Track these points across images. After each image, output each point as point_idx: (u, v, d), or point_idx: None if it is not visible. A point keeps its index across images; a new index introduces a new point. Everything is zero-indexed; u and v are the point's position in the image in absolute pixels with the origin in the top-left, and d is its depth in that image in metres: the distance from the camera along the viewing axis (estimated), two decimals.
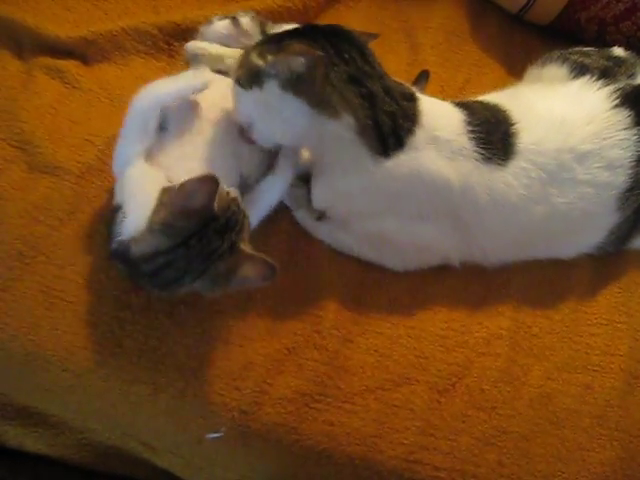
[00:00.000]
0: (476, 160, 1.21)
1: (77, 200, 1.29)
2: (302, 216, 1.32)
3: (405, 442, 1.21)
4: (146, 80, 1.36)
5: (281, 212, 1.31)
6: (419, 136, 1.18)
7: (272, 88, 1.13)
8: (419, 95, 1.23)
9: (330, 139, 1.17)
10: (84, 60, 1.46)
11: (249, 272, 1.09)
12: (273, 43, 1.15)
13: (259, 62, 1.14)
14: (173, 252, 1.05)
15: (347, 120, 1.14)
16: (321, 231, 1.31)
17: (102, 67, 1.45)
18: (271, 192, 1.28)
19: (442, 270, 1.33)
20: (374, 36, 1.24)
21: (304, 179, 1.32)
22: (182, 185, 1.03)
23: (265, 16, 1.49)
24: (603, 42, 1.62)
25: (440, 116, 1.23)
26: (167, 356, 1.21)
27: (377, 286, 1.31)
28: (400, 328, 1.28)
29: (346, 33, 1.18)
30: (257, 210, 1.24)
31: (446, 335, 1.29)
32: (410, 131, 1.17)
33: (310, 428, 1.20)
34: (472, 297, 1.34)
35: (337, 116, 1.14)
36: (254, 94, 1.15)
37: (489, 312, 1.33)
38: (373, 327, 1.28)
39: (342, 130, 1.15)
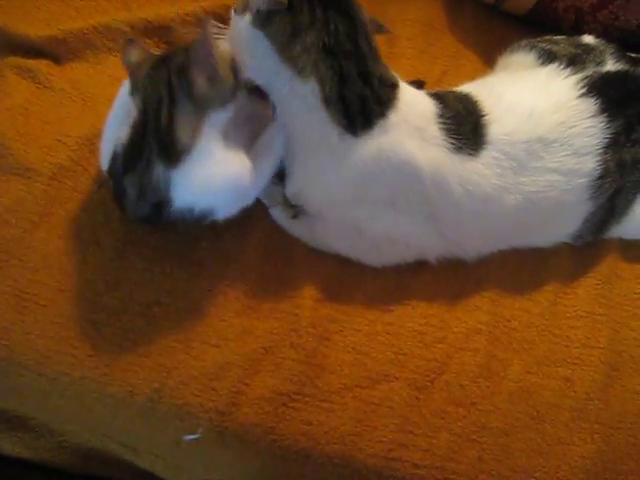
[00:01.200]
0: (447, 149, 1.21)
1: (49, 202, 1.28)
2: (278, 214, 1.31)
3: (384, 440, 1.20)
4: (119, 79, 1.35)
5: (257, 210, 1.30)
6: (391, 120, 1.18)
7: (248, 22, 1.15)
8: (401, 83, 1.23)
9: (297, 98, 1.16)
10: (55, 59, 1.44)
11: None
12: None
13: None
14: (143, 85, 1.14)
15: (312, 85, 1.14)
16: (297, 228, 1.30)
17: (74, 66, 1.43)
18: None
19: (419, 265, 1.32)
20: (384, 29, 1.28)
21: (280, 176, 1.30)
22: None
23: None
24: (581, 31, 1.59)
25: (415, 104, 1.23)
26: (142, 357, 1.20)
27: (354, 283, 1.30)
28: (378, 325, 1.27)
29: (349, 6, 1.17)
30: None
31: (424, 331, 1.28)
32: (382, 115, 1.17)
33: (288, 428, 1.19)
34: (450, 292, 1.33)
35: (304, 77, 1.14)
36: (239, 21, 1.17)
37: (467, 307, 1.32)
38: (350, 324, 1.26)
39: (307, 92, 1.15)
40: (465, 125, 1.24)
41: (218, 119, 1.13)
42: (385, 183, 1.20)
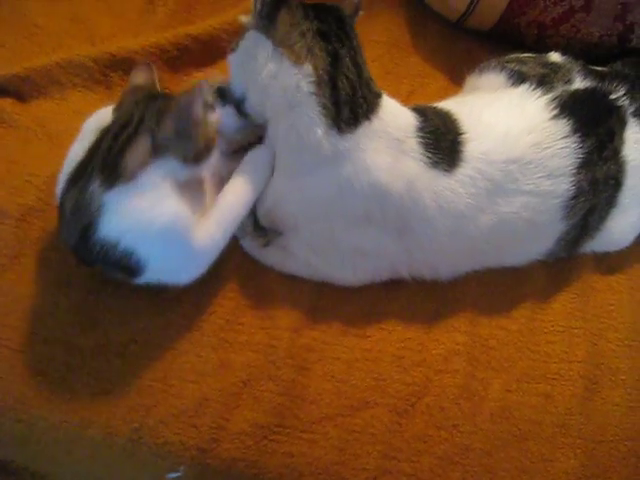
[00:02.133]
0: (424, 164, 1.21)
1: (19, 244, 1.26)
2: (249, 244, 1.31)
3: (368, 467, 1.20)
4: (84, 114, 1.34)
5: (229, 243, 1.29)
6: (374, 126, 1.19)
7: (250, 35, 1.23)
8: (384, 95, 1.25)
9: (290, 91, 1.18)
10: (20, 97, 1.43)
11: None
12: None
13: (246, 19, 1.26)
14: (132, 111, 1.13)
15: (307, 68, 1.17)
16: (269, 256, 1.30)
17: (38, 103, 1.42)
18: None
19: (395, 287, 1.33)
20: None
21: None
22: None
23: (204, 42, 1.48)
24: (544, 45, 1.62)
25: (396, 116, 1.24)
26: (120, 398, 1.19)
27: (330, 309, 1.30)
28: (356, 351, 1.27)
29: (329, 5, 1.25)
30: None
31: (403, 355, 1.28)
32: (366, 116, 1.19)
33: (270, 461, 1.19)
34: (427, 314, 1.33)
35: (300, 62, 1.17)
36: (239, 50, 1.25)
37: (445, 328, 1.32)
38: (328, 353, 1.26)
39: (302, 79, 1.17)
40: (443, 141, 1.24)
41: (171, 167, 1.11)
42: (361, 194, 1.20)
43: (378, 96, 1.23)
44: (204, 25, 1.52)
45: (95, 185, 1.07)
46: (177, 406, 1.19)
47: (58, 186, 1.16)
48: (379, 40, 1.67)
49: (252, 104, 1.26)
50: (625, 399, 1.31)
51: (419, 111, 1.28)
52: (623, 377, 1.33)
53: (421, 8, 1.73)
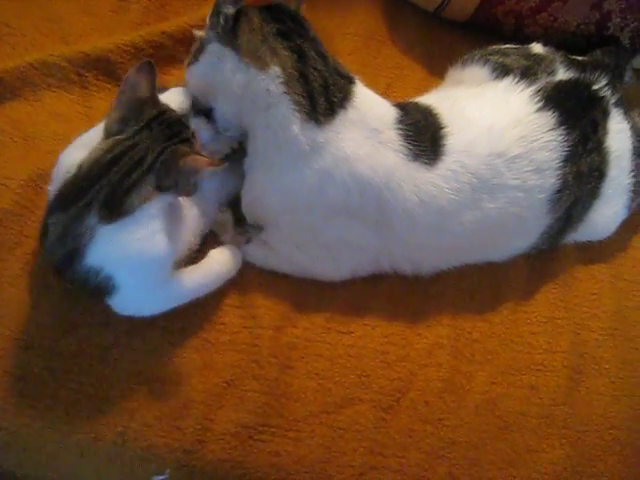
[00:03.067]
0: (404, 155, 1.21)
1: None
2: (230, 241, 1.30)
3: (354, 464, 1.20)
4: (60, 114, 1.34)
5: (208, 240, 1.29)
6: (350, 115, 1.19)
7: (212, 48, 1.22)
8: (358, 83, 1.25)
9: (262, 96, 1.18)
10: None
11: (200, 158, 1.09)
12: None
13: (201, 34, 1.25)
14: (139, 134, 1.09)
15: (274, 70, 1.17)
16: (250, 253, 1.30)
17: (13, 105, 1.39)
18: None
19: (377, 282, 1.33)
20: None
21: (230, 205, 1.29)
22: (125, 80, 1.09)
23: (178, 38, 1.46)
24: (522, 35, 1.62)
25: (373, 105, 1.24)
26: (103, 402, 1.18)
27: (313, 306, 1.30)
28: (339, 348, 1.27)
29: (276, 4, 1.26)
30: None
31: (386, 350, 1.28)
32: (341, 105, 1.19)
33: (256, 461, 1.19)
34: (410, 308, 1.33)
35: (266, 67, 1.17)
36: (201, 63, 1.24)
37: (428, 322, 1.32)
38: (311, 350, 1.26)
39: (270, 82, 1.17)
40: (423, 134, 1.24)
41: (166, 200, 1.12)
42: (342, 184, 1.19)
43: (351, 80, 1.23)
44: (178, 22, 1.50)
45: (94, 220, 1.06)
46: (161, 408, 1.18)
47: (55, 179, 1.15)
48: (355, 33, 1.66)
49: (224, 114, 1.26)
50: (609, 388, 1.32)
51: (399, 106, 1.28)
52: (607, 366, 1.34)
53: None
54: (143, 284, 1.13)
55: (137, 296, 1.14)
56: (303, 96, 1.16)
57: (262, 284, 1.29)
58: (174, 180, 1.08)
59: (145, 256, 1.09)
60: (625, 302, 1.41)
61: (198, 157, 1.08)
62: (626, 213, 1.44)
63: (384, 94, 1.47)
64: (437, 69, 1.57)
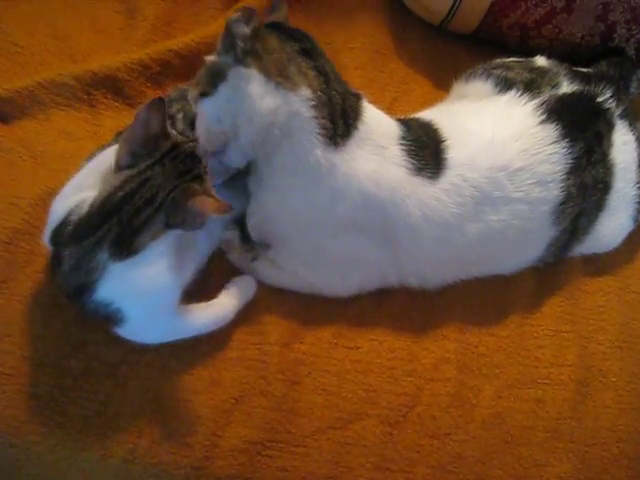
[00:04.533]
0: (407, 170, 1.21)
1: (7, 268, 1.26)
2: (237, 258, 1.31)
3: (361, 479, 1.20)
4: (69, 133, 1.35)
5: (215, 255, 1.31)
6: (361, 134, 1.20)
7: (235, 71, 1.15)
8: (364, 100, 1.25)
9: (289, 121, 1.16)
10: (3, 119, 1.42)
11: (208, 201, 1.08)
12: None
13: (213, 59, 1.19)
14: (151, 169, 1.08)
15: (304, 92, 1.15)
16: (257, 270, 1.30)
17: (22, 124, 1.41)
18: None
19: (383, 297, 1.33)
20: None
21: (236, 222, 1.30)
22: (136, 116, 1.07)
23: (185, 56, 1.47)
24: (527, 47, 1.62)
25: (379, 122, 1.25)
26: (113, 419, 1.19)
27: (320, 322, 1.31)
28: (346, 363, 1.27)
29: (284, 24, 1.24)
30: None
31: (393, 365, 1.28)
32: (355, 124, 1.19)
33: (264, 477, 1.20)
34: (416, 323, 1.33)
35: (295, 88, 1.15)
36: (220, 92, 1.17)
37: (434, 336, 1.32)
38: (319, 366, 1.27)
39: (300, 105, 1.15)
40: (425, 149, 1.24)
41: (174, 236, 1.13)
42: (350, 200, 1.20)
43: (359, 98, 1.24)
44: (185, 39, 1.51)
45: (104, 256, 1.07)
46: (170, 425, 1.20)
47: (54, 214, 1.15)
48: (362, 47, 1.66)
49: (242, 147, 1.21)
50: (616, 401, 1.32)
51: (401, 121, 1.29)
52: (614, 379, 1.34)
53: (403, 13, 1.73)
54: (151, 317, 1.14)
55: (145, 327, 1.16)
56: (328, 120, 1.16)
57: (269, 300, 1.30)
58: (182, 218, 1.08)
59: (154, 292, 1.11)
60: (632, 314, 1.41)
61: (207, 200, 1.07)
62: (632, 225, 1.44)
63: (390, 108, 1.49)
64: (443, 83, 1.57)
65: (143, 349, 1.22)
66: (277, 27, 1.22)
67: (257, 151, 1.20)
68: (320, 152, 1.16)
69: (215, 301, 1.24)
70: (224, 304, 1.25)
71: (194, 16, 1.63)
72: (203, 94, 1.19)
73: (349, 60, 1.62)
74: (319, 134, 1.16)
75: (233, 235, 1.30)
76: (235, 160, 1.22)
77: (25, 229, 1.29)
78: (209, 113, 1.19)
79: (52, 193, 1.25)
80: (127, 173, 1.09)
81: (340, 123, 1.17)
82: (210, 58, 1.21)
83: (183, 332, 1.21)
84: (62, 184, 1.22)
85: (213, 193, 1.12)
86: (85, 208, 1.08)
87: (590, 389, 1.32)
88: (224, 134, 1.19)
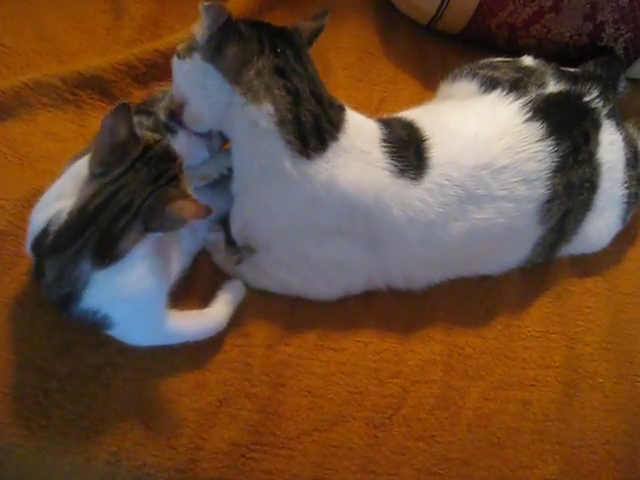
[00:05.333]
0: (390, 172, 1.21)
1: None
2: (221, 260, 1.30)
3: None
4: (54, 134, 1.34)
5: (200, 257, 1.30)
6: (342, 144, 1.19)
7: (197, 59, 1.17)
8: (347, 108, 1.24)
9: (249, 125, 1.17)
10: None
11: (185, 206, 1.06)
12: None
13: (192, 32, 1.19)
14: (124, 176, 1.07)
15: (266, 108, 1.15)
16: (242, 273, 1.30)
17: (7, 125, 1.41)
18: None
19: (370, 299, 1.33)
20: (324, 14, 1.30)
21: (221, 223, 1.30)
22: (102, 124, 1.06)
23: (168, 56, 1.46)
24: (516, 46, 1.62)
25: (362, 128, 1.24)
26: (97, 422, 1.19)
27: (305, 324, 1.30)
28: (332, 365, 1.27)
29: (288, 32, 1.22)
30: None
31: (379, 367, 1.28)
32: (333, 137, 1.18)
33: (249, 479, 1.18)
34: (402, 324, 1.33)
35: (257, 102, 1.15)
36: (186, 64, 1.19)
37: (420, 338, 1.32)
38: (304, 368, 1.26)
39: (261, 117, 1.15)
40: (407, 149, 1.24)
41: (154, 238, 1.12)
42: (331, 207, 1.20)
43: (342, 110, 1.23)
44: (171, 39, 1.50)
45: (87, 265, 1.06)
46: (154, 428, 1.19)
47: (33, 226, 1.15)
48: (349, 47, 1.66)
49: (200, 112, 1.22)
50: (603, 402, 1.32)
51: (383, 122, 1.28)
52: (601, 380, 1.34)
53: (391, 12, 1.72)
54: (140, 321, 1.15)
55: (135, 331, 1.16)
56: (293, 136, 1.16)
57: (254, 302, 1.30)
58: (159, 224, 1.08)
59: (141, 296, 1.11)
60: (620, 315, 1.40)
61: (185, 204, 1.06)
62: (620, 225, 1.43)
63: (378, 109, 1.50)
64: (431, 82, 1.57)
65: (127, 351, 1.21)
66: (268, 33, 1.21)
67: (220, 126, 1.23)
68: (289, 164, 1.16)
69: (209, 310, 1.24)
70: (218, 314, 1.24)
71: (181, 16, 1.63)
72: (179, 56, 1.22)
73: (337, 60, 1.62)
74: (285, 147, 1.16)
75: (218, 237, 1.30)
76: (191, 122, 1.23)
77: (10, 231, 1.28)
78: (177, 75, 1.23)
79: (37, 194, 1.25)
80: (101, 181, 1.08)
81: (312, 139, 1.16)
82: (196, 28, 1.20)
83: (176, 337, 1.21)
84: (47, 185, 1.21)
85: (190, 193, 1.11)
86: (63, 218, 1.08)
87: (577, 390, 1.31)
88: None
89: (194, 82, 1.19)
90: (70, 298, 1.08)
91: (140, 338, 1.19)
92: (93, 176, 1.09)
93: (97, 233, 1.06)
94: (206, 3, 1.13)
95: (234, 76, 1.16)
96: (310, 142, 1.16)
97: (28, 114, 1.43)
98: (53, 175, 1.24)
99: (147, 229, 1.08)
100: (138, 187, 1.07)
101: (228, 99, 1.17)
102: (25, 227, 1.25)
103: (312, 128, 1.17)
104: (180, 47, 1.21)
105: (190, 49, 1.19)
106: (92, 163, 1.09)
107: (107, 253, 1.06)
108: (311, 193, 1.18)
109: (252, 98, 1.15)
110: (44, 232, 1.09)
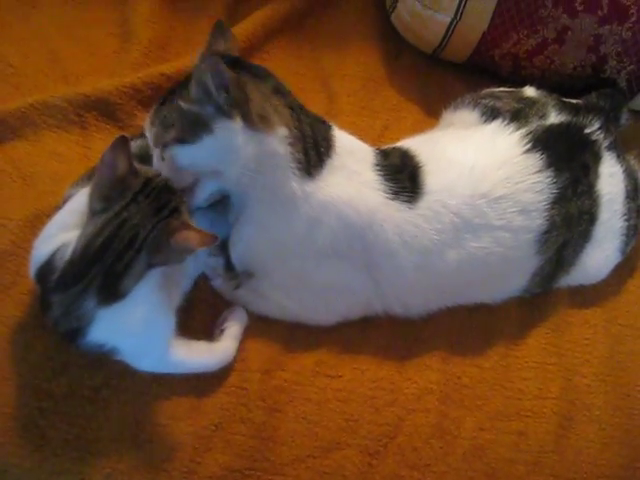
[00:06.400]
0: (384, 194, 1.22)
1: None
2: (221, 285, 1.31)
3: None
4: (59, 155, 1.35)
5: (200, 281, 1.31)
6: (334, 162, 1.21)
7: (222, 125, 1.14)
8: (334, 128, 1.26)
9: (266, 160, 1.17)
10: None
11: (191, 236, 1.06)
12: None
13: (186, 105, 1.15)
14: (126, 210, 1.06)
15: (281, 132, 1.17)
16: (241, 298, 1.31)
17: (13, 145, 1.42)
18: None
19: (367, 326, 1.33)
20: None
21: (221, 247, 1.30)
22: (101, 159, 1.05)
23: (174, 80, 1.49)
24: (519, 76, 1.63)
25: (352, 148, 1.26)
26: (92, 443, 1.19)
27: (302, 350, 1.31)
28: (328, 392, 1.27)
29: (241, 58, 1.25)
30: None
31: (375, 395, 1.28)
32: (328, 154, 1.20)
33: None
34: (399, 352, 1.33)
35: (273, 129, 1.16)
36: (204, 143, 1.15)
37: (417, 366, 1.32)
38: (300, 394, 1.26)
39: (277, 144, 1.16)
40: (402, 173, 1.25)
41: (158, 271, 1.12)
42: (329, 228, 1.21)
43: (330, 127, 1.25)
44: (177, 64, 1.52)
45: (92, 303, 1.07)
46: (149, 451, 1.19)
47: (37, 255, 1.15)
48: (354, 74, 1.67)
49: (209, 186, 1.23)
50: (599, 435, 1.31)
51: (379, 150, 1.30)
52: (597, 413, 1.33)
53: (396, 40, 1.74)
54: (147, 352, 1.17)
55: (142, 360, 1.18)
56: (302, 153, 1.17)
57: (251, 327, 1.30)
58: (166, 256, 1.08)
59: (147, 330, 1.12)
60: (618, 347, 1.40)
61: (189, 235, 1.06)
62: (619, 257, 1.43)
63: (381, 136, 1.51)
64: (434, 111, 1.58)
65: (125, 373, 1.21)
66: (240, 65, 1.21)
67: (231, 189, 1.22)
68: (295, 184, 1.17)
69: (218, 345, 1.25)
70: (226, 349, 1.25)
71: (188, 40, 1.65)
72: (181, 141, 1.16)
73: (341, 87, 1.63)
74: (294, 168, 1.17)
75: (217, 262, 1.31)
76: (200, 199, 1.22)
77: (12, 250, 1.29)
78: (185, 158, 1.18)
79: (41, 215, 1.28)
80: (104, 217, 1.07)
81: (313, 154, 1.18)
82: (181, 103, 1.17)
83: (184, 368, 1.22)
84: (51, 206, 1.24)
85: (192, 224, 1.11)
86: (68, 254, 1.08)
87: (573, 423, 1.31)
88: (195, 175, 1.20)
89: (218, 155, 1.17)
90: (77, 333, 1.09)
91: (148, 366, 1.20)
92: (94, 213, 1.09)
93: (102, 272, 1.06)
94: (209, 72, 1.11)
95: (255, 113, 1.16)
96: (311, 159, 1.18)
97: (34, 134, 1.44)
98: (57, 196, 1.26)
99: (151, 264, 1.08)
100: (142, 220, 1.07)
101: (255, 148, 1.16)
102: (27, 247, 1.27)
103: (312, 141, 1.19)
104: (168, 136, 1.17)
105: (196, 129, 1.15)
106: (92, 199, 1.09)
107: (112, 291, 1.07)
108: (310, 213, 1.19)
109: (269, 126, 1.16)
110: (49, 265, 1.09)
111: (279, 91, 1.20)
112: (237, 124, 1.14)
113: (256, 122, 1.15)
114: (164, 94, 1.25)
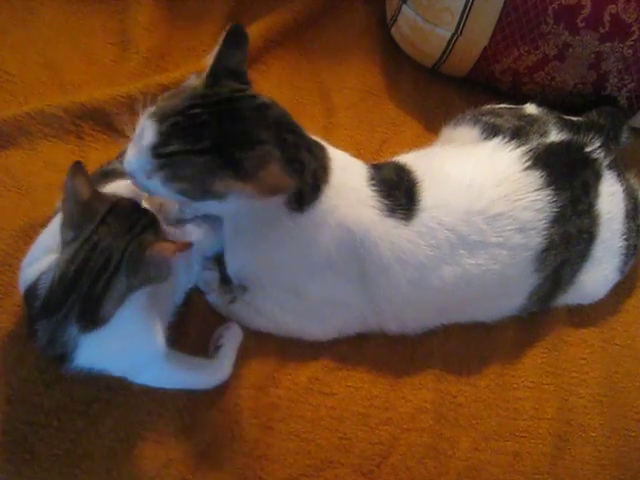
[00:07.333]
0: (379, 211, 1.21)
1: None
2: (215, 299, 1.30)
3: None
4: (55, 164, 1.34)
5: (193, 297, 1.29)
6: (332, 184, 1.18)
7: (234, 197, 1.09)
8: (328, 147, 1.24)
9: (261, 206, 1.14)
10: None
11: (165, 246, 1.04)
12: None
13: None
14: (95, 233, 1.04)
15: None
16: (236, 313, 1.30)
17: (8, 154, 1.41)
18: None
19: (362, 343, 1.32)
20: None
21: (216, 262, 1.29)
22: (64, 189, 1.05)
23: None
24: (519, 92, 1.62)
25: (347, 166, 1.24)
26: (82, 459, 1.17)
27: (296, 366, 1.30)
28: (321, 410, 1.26)
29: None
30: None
31: (369, 413, 1.27)
32: (325, 180, 1.18)
33: None
34: (394, 370, 1.32)
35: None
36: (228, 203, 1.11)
37: (412, 385, 1.31)
38: (293, 411, 1.25)
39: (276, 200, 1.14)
40: (397, 189, 1.24)
41: (141, 293, 1.10)
42: (323, 245, 1.20)
43: (324, 149, 1.22)
44: (175, 74, 1.51)
45: (74, 330, 1.05)
46: (140, 467, 1.18)
47: (25, 275, 1.14)
48: (353, 87, 1.66)
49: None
50: (595, 457, 1.30)
51: (373, 165, 1.29)
52: (593, 434, 1.32)
53: (396, 54, 1.73)
54: (139, 370, 1.16)
55: (137, 376, 1.18)
56: (297, 192, 1.14)
57: (246, 343, 1.28)
58: (145, 274, 1.05)
59: (133, 352, 1.11)
60: (615, 368, 1.39)
61: (163, 245, 1.03)
62: (618, 276, 1.42)
63: (380, 150, 1.50)
64: (433, 125, 1.57)
65: (117, 387, 1.20)
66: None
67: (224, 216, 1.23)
68: (285, 219, 1.16)
69: (215, 363, 1.24)
70: (224, 366, 1.24)
71: (187, 50, 1.64)
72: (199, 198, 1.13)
73: (340, 100, 1.62)
74: (286, 208, 1.15)
75: (212, 276, 1.30)
76: (189, 215, 1.26)
77: (4, 260, 1.28)
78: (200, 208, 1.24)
79: (35, 225, 1.26)
80: (75, 245, 1.05)
81: (307, 189, 1.16)
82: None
83: (179, 384, 1.22)
84: (45, 216, 1.23)
85: (168, 237, 1.10)
86: (49, 281, 1.06)
87: (569, 444, 1.30)
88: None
89: (212, 206, 1.17)
90: (63, 358, 1.08)
91: (145, 381, 1.19)
92: (66, 243, 1.06)
93: (79, 300, 1.04)
94: None
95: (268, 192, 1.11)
96: (306, 194, 1.16)
97: (29, 143, 1.43)
98: (51, 206, 1.24)
99: (132, 286, 1.05)
100: (113, 240, 1.05)
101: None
102: (20, 257, 1.25)
103: (311, 182, 1.16)
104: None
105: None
106: (63, 230, 1.07)
107: (92, 318, 1.05)
108: (304, 236, 1.18)
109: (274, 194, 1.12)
110: (33, 291, 1.08)
111: (287, 150, 1.12)
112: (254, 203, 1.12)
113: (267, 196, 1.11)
114: None
